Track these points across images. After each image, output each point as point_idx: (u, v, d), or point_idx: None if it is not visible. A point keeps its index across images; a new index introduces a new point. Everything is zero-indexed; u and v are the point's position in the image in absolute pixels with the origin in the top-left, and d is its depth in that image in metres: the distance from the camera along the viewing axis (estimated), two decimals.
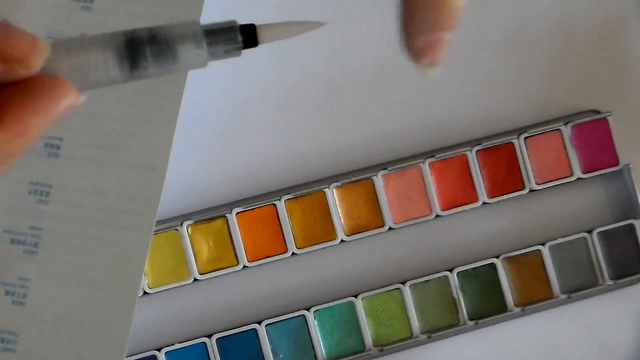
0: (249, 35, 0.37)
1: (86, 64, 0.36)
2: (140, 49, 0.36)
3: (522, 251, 0.61)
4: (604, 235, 0.62)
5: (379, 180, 0.60)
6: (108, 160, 0.55)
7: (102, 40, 0.36)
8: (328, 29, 0.62)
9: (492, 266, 0.61)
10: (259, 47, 0.38)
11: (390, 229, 0.61)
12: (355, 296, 0.60)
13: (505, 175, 0.61)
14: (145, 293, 0.58)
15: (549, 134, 0.62)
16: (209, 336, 0.59)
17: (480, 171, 0.61)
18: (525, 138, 0.61)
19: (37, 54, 0.35)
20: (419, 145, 0.62)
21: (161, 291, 0.59)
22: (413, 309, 0.60)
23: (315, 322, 0.60)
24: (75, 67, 0.36)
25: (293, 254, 0.60)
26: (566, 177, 0.62)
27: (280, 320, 0.59)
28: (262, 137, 0.61)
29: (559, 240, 0.62)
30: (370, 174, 0.60)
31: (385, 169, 0.61)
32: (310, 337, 0.60)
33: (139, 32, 0.36)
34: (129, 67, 0.36)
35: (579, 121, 0.62)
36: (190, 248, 0.59)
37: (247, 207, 0.59)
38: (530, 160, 0.61)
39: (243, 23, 0.37)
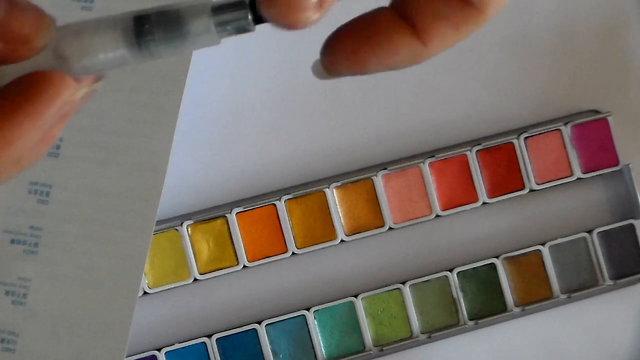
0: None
1: (93, 45, 0.35)
2: (148, 26, 0.35)
3: (522, 251, 0.61)
4: (604, 235, 0.62)
5: (379, 180, 0.60)
6: (108, 160, 0.55)
7: (110, 20, 0.36)
8: (328, 29, 0.62)
9: (492, 266, 0.61)
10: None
11: (390, 229, 0.61)
12: (355, 296, 0.60)
13: (505, 175, 0.61)
14: (145, 293, 0.58)
15: (549, 134, 0.62)
16: (209, 336, 0.59)
17: (480, 171, 0.61)
18: (525, 138, 0.61)
19: (42, 33, 0.34)
20: (419, 145, 0.62)
21: (161, 291, 0.59)
22: (413, 309, 0.60)
23: (315, 322, 0.60)
24: (83, 49, 0.35)
25: (293, 254, 0.60)
26: (566, 177, 0.62)
27: (280, 320, 0.59)
28: (262, 137, 0.61)
29: (559, 240, 0.62)
30: (370, 174, 0.60)
31: (385, 169, 0.61)
32: (310, 337, 0.60)
33: (147, 10, 0.36)
34: (137, 45, 0.36)
35: (579, 121, 0.62)
36: (190, 248, 0.59)
37: (247, 207, 0.59)
38: (530, 160, 0.61)
39: None
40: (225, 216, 0.59)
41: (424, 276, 0.61)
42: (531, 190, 0.62)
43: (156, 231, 0.58)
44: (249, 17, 0.36)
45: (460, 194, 0.61)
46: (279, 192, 0.60)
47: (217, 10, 0.36)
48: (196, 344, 0.59)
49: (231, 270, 0.59)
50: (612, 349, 0.62)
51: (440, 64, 0.62)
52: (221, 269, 0.59)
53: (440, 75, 0.62)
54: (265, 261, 0.60)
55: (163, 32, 0.36)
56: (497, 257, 0.61)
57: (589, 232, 0.62)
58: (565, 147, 0.62)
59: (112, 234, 0.55)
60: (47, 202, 0.55)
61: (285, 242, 0.60)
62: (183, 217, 0.59)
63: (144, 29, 0.36)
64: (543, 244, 0.61)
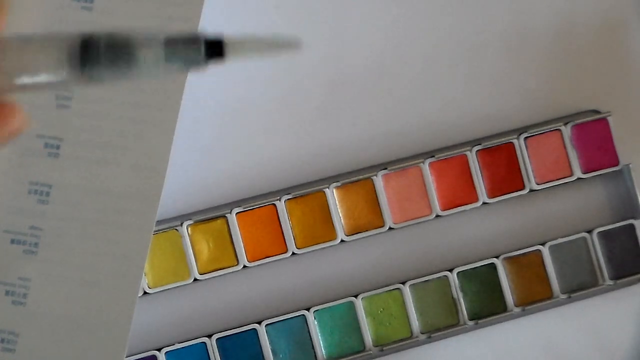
0: (215, 49, 0.35)
1: (36, 63, 0.35)
2: (95, 49, 0.35)
3: (522, 251, 0.61)
4: (604, 235, 0.62)
5: (379, 180, 0.60)
6: (108, 160, 0.55)
7: (57, 38, 0.35)
8: (327, 29, 0.62)
9: (492, 266, 0.61)
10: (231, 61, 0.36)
11: (390, 229, 0.61)
12: (355, 296, 0.60)
13: (505, 175, 0.61)
14: (145, 293, 0.58)
15: (549, 134, 0.62)
16: (209, 336, 0.59)
17: (480, 171, 0.61)
18: (525, 138, 0.61)
19: None
20: (419, 145, 0.62)
21: (161, 291, 0.59)
22: (413, 309, 0.60)
23: (315, 322, 0.60)
24: (24, 66, 0.35)
25: (293, 254, 0.60)
26: (566, 177, 0.62)
27: (280, 320, 0.59)
28: (262, 137, 0.61)
29: (559, 240, 0.62)
30: (370, 174, 0.60)
31: (385, 169, 0.61)
32: (310, 337, 0.60)
33: (96, 35, 0.35)
34: (81, 68, 0.35)
35: (579, 121, 0.62)
36: (190, 248, 0.59)
37: (247, 207, 0.59)
38: (530, 160, 0.61)
39: (211, 35, 0.35)
40: (225, 216, 0.59)
41: (424, 276, 0.61)
42: (531, 190, 0.62)
43: (156, 231, 0.58)
44: (203, 54, 0.35)
45: (460, 194, 0.61)
46: (279, 192, 0.60)
47: (170, 43, 0.35)
48: (196, 344, 0.59)
49: (231, 270, 0.59)
50: (612, 349, 0.62)
51: (441, 64, 0.62)
52: (221, 269, 0.59)
53: (440, 75, 0.62)
54: (265, 261, 0.60)
55: (110, 57, 0.35)
56: (497, 257, 0.61)
57: (589, 232, 0.62)
58: (565, 147, 0.62)
59: (112, 234, 0.55)
60: (47, 202, 0.55)
61: (285, 242, 0.60)
62: (183, 217, 0.59)
63: (90, 52, 0.35)
64: (543, 244, 0.61)
